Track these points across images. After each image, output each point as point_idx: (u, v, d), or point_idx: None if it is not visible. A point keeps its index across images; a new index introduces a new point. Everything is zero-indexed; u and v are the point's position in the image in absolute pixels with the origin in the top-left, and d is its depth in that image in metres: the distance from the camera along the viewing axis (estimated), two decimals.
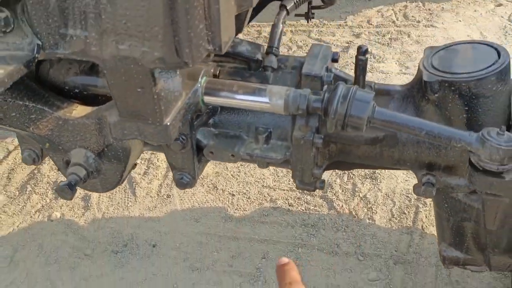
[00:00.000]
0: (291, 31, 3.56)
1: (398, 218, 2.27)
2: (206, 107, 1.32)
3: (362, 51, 1.29)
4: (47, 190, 2.55)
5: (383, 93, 1.39)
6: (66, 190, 1.29)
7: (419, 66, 1.34)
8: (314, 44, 1.44)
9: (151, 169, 2.62)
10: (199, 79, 1.25)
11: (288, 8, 1.42)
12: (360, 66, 1.30)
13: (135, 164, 1.45)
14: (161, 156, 2.66)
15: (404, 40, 3.33)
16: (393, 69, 3.05)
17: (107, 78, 1.05)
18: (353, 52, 3.24)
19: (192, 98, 1.20)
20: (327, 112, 1.21)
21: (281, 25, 1.39)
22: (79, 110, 1.32)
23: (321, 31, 3.52)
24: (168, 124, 1.10)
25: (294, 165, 1.36)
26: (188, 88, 1.20)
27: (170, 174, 2.57)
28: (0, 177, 2.63)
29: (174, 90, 1.13)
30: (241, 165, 2.60)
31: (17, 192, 2.55)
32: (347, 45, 3.34)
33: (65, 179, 1.33)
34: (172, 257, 2.20)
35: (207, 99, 1.29)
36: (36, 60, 1.00)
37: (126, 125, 1.13)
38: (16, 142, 2.82)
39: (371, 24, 3.57)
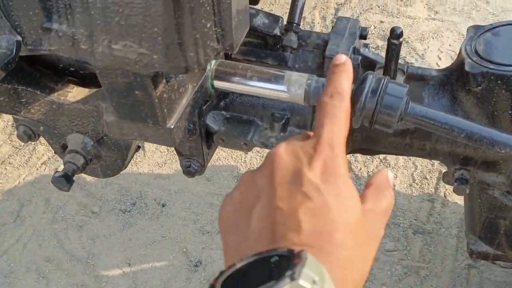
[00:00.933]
0: None
1: (419, 184, 2.15)
2: (216, 91, 1.17)
3: (396, 34, 1.12)
4: None
5: (416, 78, 1.22)
6: (63, 182, 1.19)
7: (460, 50, 1.17)
8: (340, 17, 1.26)
9: None
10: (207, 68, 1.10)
11: None
12: (393, 51, 1.14)
13: (139, 147, 1.33)
14: None
15: None
16: (421, 14, 2.82)
17: (100, 79, 0.90)
18: None
19: (199, 91, 1.06)
20: (353, 106, 1.06)
21: None
22: (75, 93, 1.18)
23: None
24: (172, 127, 0.97)
25: None
26: (195, 79, 1.05)
27: None
28: (5, 126, 2.54)
29: (178, 87, 0.98)
30: None
31: (23, 143, 2.46)
32: None
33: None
34: (181, 218, 2.13)
35: (218, 84, 1.13)
36: (16, 60, 0.86)
37: (124, 125, 1.00)
38: None
39: None
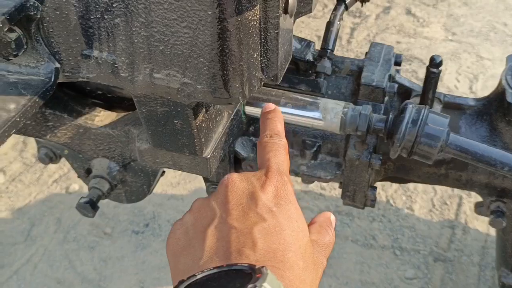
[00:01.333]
0: None
1: (439, 209, 2.11)
2: (246, 117, 1.14)
3: (435, 63, 1.09)
4: (64, 159, 2.41)
5: (453, 106, 1.19)
6: (88, 208, 1.16)
7: (500, 79, 1.14)
8: (374, 43, 1.24)
9: None
10: None
11: (347, 2, 1.20)
12: (432, 80, 1.11)
13: (163, 172, 1.29)
14: None
15: (451, 1, 3.04)
16: (438, 35, 2.80)
17: (138, 107, 0.87)
18: (394, 13, 2.98)
19: (235, 119, 1.03)
20: (392, 136, 1.03)
21: (337, 23, 1.18)
22: (102, 117, 1.15)
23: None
24: (209, 156, 0.94)
25: (345, 185, 1.20)
26: (231, 106, 1.02)
27: None
28: (16, 142, 2.50)
29: (216, 115, 0.95)
30: None
31: (34, 159, 2.43)
32: (388, 5, 3.06)
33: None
34: None
35: (249, 110, 1.11)
36: (54, 88, 0.82)
37: (158, 154, 0.96)
38: None
39: None
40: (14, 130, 0.76)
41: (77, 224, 2.16)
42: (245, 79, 0.78)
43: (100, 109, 1.16)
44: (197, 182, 2.29)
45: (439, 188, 2.17)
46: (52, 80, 0.82)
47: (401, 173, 1.25)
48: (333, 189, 2.21)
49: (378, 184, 2.16)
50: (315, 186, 2.23)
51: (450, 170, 1.19)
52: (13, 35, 0.77)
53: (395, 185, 2.19)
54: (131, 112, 1.13)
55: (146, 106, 0.86)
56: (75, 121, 1.12)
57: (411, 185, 2.19)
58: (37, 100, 0.79)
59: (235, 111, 1.02)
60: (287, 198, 0.65)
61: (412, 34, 2.82)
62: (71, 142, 1.16)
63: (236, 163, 1.23)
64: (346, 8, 1.20)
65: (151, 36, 0.75)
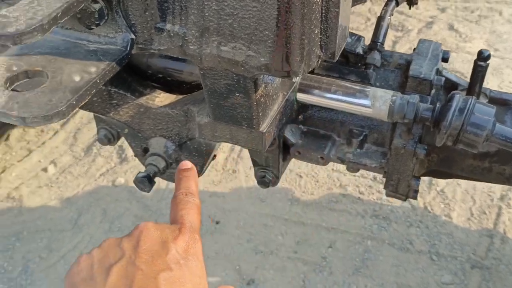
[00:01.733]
0: (370, 0, 3.34)
1: (478, 218, 2.12)
2: (298, 104, 1.20)
3: (483, 56, 1.13)
4: (112, 154, 2.52)
5: (498, 102, 1.23)
6: (145, 182, 1.22)
7: None
8: (422, 40, 1.28)
9: None
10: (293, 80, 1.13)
11: None
12: (479, 73, 1.15)
13: (215, 155, 1.36)
14: None
15: (494, 18, 3.06)
16: None
17: (202, 79, 0.94)
18: (437, 28, 3.01)
19: (288, 101, 1.09)
20: (439, 124, 1.07)
21: (388, 18, 1.24)
22: (162, 98, 1.22)
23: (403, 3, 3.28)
24: (264, 131, 1.00)
25: (389, 174, 1.24)
26: (285, 88, 1.08)
27: (237, 147, 2.49)
28: (67, 136, 2.62)
29: (273, 94, 1.02)
30: None
31: (83, 153, 2.54)
32: (430, 20, 3.10)
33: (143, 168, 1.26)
34: (235, 237, 2.15)
35: (301, 96, 1.17)
36: (129, 57, 0.90)
37: (217, 128, 1.03)
38: None
39: None
40: (94, 90, 0.84)
41: (121, 215, 2.25)
42: (305, 54, 0.84)
43: (160, 91, 1.23)
44: (237, 182, 2.35)
45: (478, 197, 2.18)
46: (128, 49, 0.90)
47: (444, 166, 1.29)
48: (371, 194, 2.24)
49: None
50: (353, 190, 2.26)
51: (494, 163, 1.22)
52: (96, 6, 0.85)
53: (433, 193, 2.21)
54: (189, 94, 1.20)
55: (210, 79, 0.93)
56: (137, 101, 1.20)
57: (449, 193, 2.20)
58: (114, 65, 0.87)
59: (289, 93, 1.08)
60: (196, 255, 0.71)
61: (454, 49, 2.84)
62: (131, 121, 1.23)
63: (285, 148, 1.29)
64: (397, 4, 1.26)
65: (221, 10, 0.82)
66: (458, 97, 1.06)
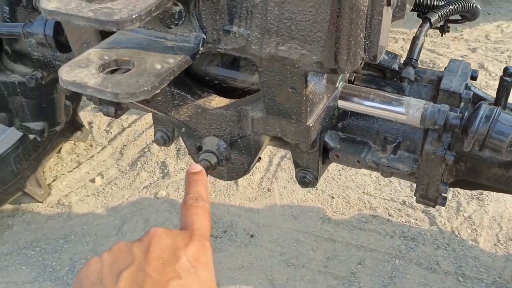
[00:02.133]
0: (403, 39, 3.50)
1: (504, 244, 2.19)
2: (338, 111, 1.34)
3: (508, 72, 1.26)
4: (155, 169, 2.68)
5: None
6: None
7: None
8: (453, 59, 1.42)
9: None
10: (337, 83, 1.27)
11: (432, 21, 1.40)
12: (504, 88, 1.27)
13: (260, 158, 1.50)
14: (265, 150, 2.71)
15: None
16: None
17: (260, 75, 1.09)
18: None
19: (332, 102, 1.23)
20: (466, 130, 1.20)
21: (423, 38, 1.38)
22: (217, 101, 1.37)
23: (435, 42, 3.44)
24: (311, 125, 1.14)
25: (420, 179, 1.36)
26: (329, 92, 1.23)
27: (272, 168, 2.62)
28: (114, 151, 2.80)
29: (319, 93, 1.16)
30: (342, 168, 2.61)
31: (128, 168, 2.70)
32: (461, 58, 3.23)
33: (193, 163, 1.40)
34: (268, 249, 2.26)
35: (342, 103, 1.31)
36: (199, 53, 1.06)
37: (269, 121, 1.17)
38: (130, 119, 2.98)
39: (489, 39, 3.44)
40: (172, 77, 0.99)
41: (163, 224, 2.38)
42: (351, 54, 0.99)
43: (215, 95, 1.39)
44: (272, 199, 2.47)
45: (505, 224, 2.25)
46: (200, 47, 1.06)
47: (471, 175, 1.39)
48: (400, 216, 2.34)
49: (444, 216, 2.29)
50: (382, 212, 2.36)
51: None
52: (177, 8, 1.02)
53: (460, 218, 2.29)
54: (242, 98, 1.35)
55: (267, 75, 1.08)
56: (195, 102, 1.36)
57: (476, 220, 2.28)
58: (188, 59, 1.03)
59: (333, 95, 1.22)
60: (206, 264, 0.71)
61: (484, 86, 2.96)
62: (189, 120, 1.39)
63: (324, 152, 1.42)
64: (431, 26, 1.40)
65: (282, 14, 0.98)
66: (485, 106, 1.19)
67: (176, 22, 1.03)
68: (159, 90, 0.96)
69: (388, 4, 0.98)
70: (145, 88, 0.93)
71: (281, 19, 0.99)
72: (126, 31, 1.11)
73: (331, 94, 1.23)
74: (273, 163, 2.65)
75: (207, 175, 1.40)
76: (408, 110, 1.26)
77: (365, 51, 1.02)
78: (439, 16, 1.42)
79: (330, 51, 0.98)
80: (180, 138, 1.53)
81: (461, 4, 1.45)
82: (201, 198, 0.80)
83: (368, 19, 0.98)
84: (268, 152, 2.72)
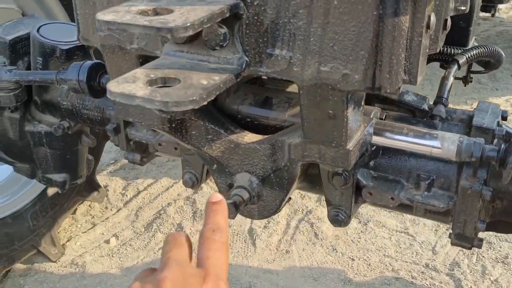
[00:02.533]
0: None
1: None
2: (370, 147, 1.34)
3: None
4: (171, 230, 2.63)
5: None
6: (231, 208, 1.34)
7: None
8: (482, 101, 1.44)
9: (272, 223, 2.65)
10: (371, 115, 1.29)
11: (460, 62, 1.44)
12: None
13: (290, 198, 1.48)
14: (282, 212, 2.68)
15: None
16: None
17: (301, 98, 1.11)
18: None
19: (367, 132, 1.24)
20: (505, 161, 1.19)
21: (451, 78, 1.42)
22: (250, 137, 1.38)
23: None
24: (350, 149, 1.14)
25: (456, 217, 1.33)
26: (366, 121, 1.24)
27: (290, 230, 2.58)
28: (129, 213, 2.77)
29: (357, 119, 1.17)
30: (361, 231, 2.57)
31: (143, 229, 2.66)
32: None
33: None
34: None
35: (375, 139, 1.31)
36: (242, 76, 1.08)
37: (307, 147, 1.18)
38: (145, 183, 2.98)
39: None
40: (218, 92, 1.01)
41: None
42: (393, 73, 1.01)
43: (248, 131, 1.40)
44: (291, 261, 2.41)
45: None
46: (242, 69, 1.08)
47: (508, 215, 1.37)
48: (424, 279, 2.27)
49: (469, 279, 2.22)
50: (405, 274, 2.29)
51: None
52: (222, 30, 1.06)
53: (487, 282, 2.22)
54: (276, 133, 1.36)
55: (308, 97, 1.09)
56: (229, 137, 1.37)
57: (503, 283, 2.21)
58: (232, 77, 1.05)
59: (369, 124, 1.23)
60: None
61: None
62: (221, 156, 1.39)
63: (357, 189, 1.40)
64: (459, 67, 1.44)
65: (324, 35, 1.01)
66: None
67: (221, 44, 1.07)
68: (206, 103, 0.97)
69: (428, 27, 1.02)
70: (194, 98, 0.94)
71: (323, 39, 1.02)
72: (170, 56, 1.14)
73: (367, 123, 1.24)
74: (291, 226, 2.62)
75: (237, 214, 1.39)
76: (443, 143, 1.27)
77: (405, 72, 1.04)
78: (466, 58, 1.47)
79: (372, 70, 1.00)
80: (204, 183, 1.52)
81: (487, 49, 1.50)
82: (219, 230, 0.78)
83: (408, 40, 1.01)
84: (285, 215, 2.69)
